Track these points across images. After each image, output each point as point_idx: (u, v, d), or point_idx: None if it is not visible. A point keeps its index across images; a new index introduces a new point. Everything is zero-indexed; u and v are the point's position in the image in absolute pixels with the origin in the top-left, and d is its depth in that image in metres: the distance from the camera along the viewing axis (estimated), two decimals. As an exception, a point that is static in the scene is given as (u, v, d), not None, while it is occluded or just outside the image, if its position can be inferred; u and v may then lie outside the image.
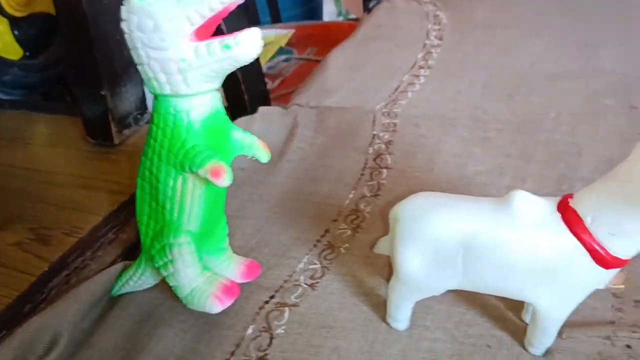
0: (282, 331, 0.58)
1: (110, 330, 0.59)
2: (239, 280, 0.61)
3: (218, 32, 0.51)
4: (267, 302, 0.62)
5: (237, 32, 0.47)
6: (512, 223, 0.48)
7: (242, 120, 0.91)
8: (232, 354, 0.56)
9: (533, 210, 0.48)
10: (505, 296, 0.51)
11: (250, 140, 0.57)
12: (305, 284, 0.64)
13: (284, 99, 1.17)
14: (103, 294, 0.60)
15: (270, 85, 1.37)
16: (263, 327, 0.59)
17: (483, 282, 0.50)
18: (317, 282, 0.64)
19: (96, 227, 0.66)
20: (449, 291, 0.53)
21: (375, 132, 0.91)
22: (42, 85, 1.38)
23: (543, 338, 0.53)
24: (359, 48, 1.20)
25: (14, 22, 1.33)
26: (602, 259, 0.45)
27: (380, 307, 0.60)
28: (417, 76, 1.07)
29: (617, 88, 0.94)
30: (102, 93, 0.92)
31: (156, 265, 0.58)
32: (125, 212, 0.76)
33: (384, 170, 0.82)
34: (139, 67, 0.51)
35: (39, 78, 1.36)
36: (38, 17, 1.37)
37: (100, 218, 0.74)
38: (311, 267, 0.66)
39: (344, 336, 0.57)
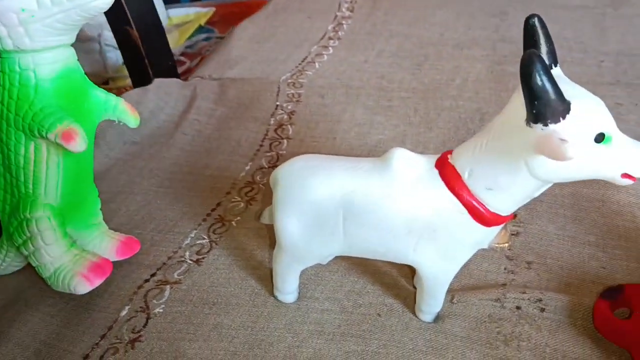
0: (161, 310, 0.54)
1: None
2: (114, 258, 0.56)
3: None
4: (147, 280, 0.57)
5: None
6: (390, 181, 0.45)
7: (134, 92, 0.85)
8: (103, 337, 0.51)
9: (411, 168, 0.45)
10: (389, 260, 0.48)
11: (115, 102, 0.52)
12: (191, 259, 0.59)
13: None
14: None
15: (189, 64, 1.31)
16: (140, 307, 0.54)
17: (365, 246, 0.47)
18: (203, 258, 0.59)
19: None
20: (342, 260, 0.50)
21: (278, 103, 0.87)
22: None
23: (431, 303, 0.50)
24: (269, 19, 1.16)
25: None
26: (481, 215, 0.43)
27: (268, 280, 0.56)
28: (326, 47, 1.04)
29: (520, 55, 0.93)
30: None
31: (16, 244, 0.52)
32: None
33: (284, 141, 0.78)
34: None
35: None
36: None
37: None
38: (198, 242, 0.62)
39: (227, 312, 0.53)
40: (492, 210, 0.43)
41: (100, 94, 0.52)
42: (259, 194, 0.68)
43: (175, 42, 1.43)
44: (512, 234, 0.61)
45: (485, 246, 0.47)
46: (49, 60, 0.46)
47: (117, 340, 0.51)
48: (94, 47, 1.29)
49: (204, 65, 0.99)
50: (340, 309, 0.53)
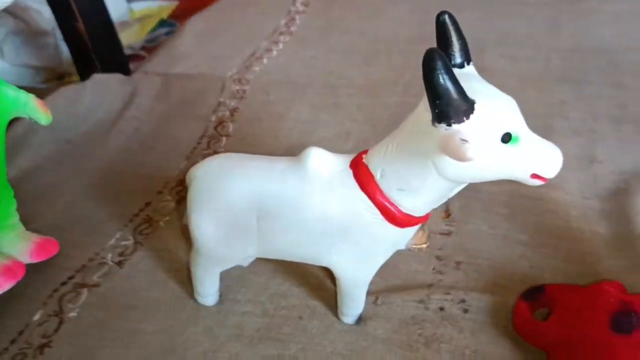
0: (75, 314, 0.52)
1: None
2: (28, 260, 0.54)
3: None
4: (64, 283, 0.55)
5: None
6: (304, 181, 0.44)
7: (70, 87, 0.83)
8: (13, 342, 0.50)
9: (326, 167, 0.44)
10: (306, 262, 0.47)
11: (25, 99, 0.50)
12: (112, 261, 0.57)
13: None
14: None
15: (148, 58, 1.28)
16: (54, 311, 0.52)
17: (281, 248, 0.46)
18: (126, 260, 0.58)
19: None
20: (268, 262, 0.49)
21: (221, 100, 0.85)
22: None
23: (351, 305, 0.49)
24: (221, 14, 1.14)
25: None
26: (393, 217, 0.42)
27: (190, 283, 0.54)
28: (276, 42, 1.02)
29: (472, 51, 0.93)
30: None
31: None
32: None
33: (223, 139, 0.76)
34: None
35: None
36: None
37: None
38: (123, 243, 0.60)
39: (145, 317, 0.52)
40: (405, 211, 0.42)
41: (9, 91, 0.49)
42: (191, 193, 0.67)
43: (137, 35, 1.39)
44: (444, 234, 0.60)
45: (403, 247, 0.46)
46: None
47: (27, 346, 0.49)
48: (49, 42, 1.25)
49: (149, 61, 0.97)
50: (262, 311, 0.52)
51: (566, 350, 0.43)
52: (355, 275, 0.46)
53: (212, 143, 0.75)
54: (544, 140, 0.39)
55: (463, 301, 0.52)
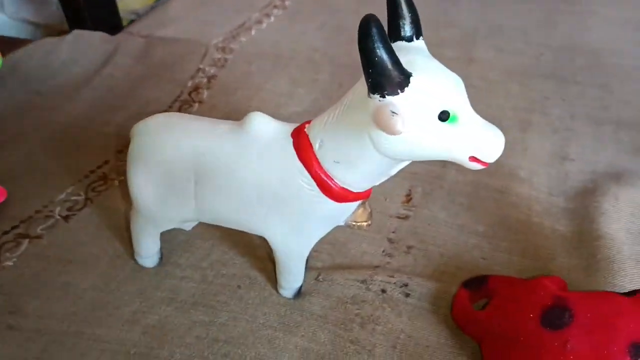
0: (11, 264, 0.51)
1: None
2: (-31, 206, 0.53)
3: None
4: (6, 232, 0.54)
5: None
6: (243, 146, 0.42)
7: (47, 40, 0.82)
8: (-58, 286, 0.49)
9: (267, 134, 0.42)
10: (242, 229, 0.46)
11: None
12: (60, 215, 0.57)
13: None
14: None
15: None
16: (-10, 258, 0.51)
17: (217, 213, 0.45)
18: (73, 214, 0.57)
19: None
20: (216, 229, 0.48)
21: (201, 66, 0.83)
22: None
23: (288, 278, 0.48)
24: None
25: None
26: (329, 189, 0.41)
27: (134, 242, 0.53)
28: (268, 15, 1.00)
29: (462, 40, 0.91)
30: None
31: None
32: None
33: (195, 105, 0.75)
34: None
35: None
36: None
37: None
38: (73, 198, 0.59)
39: (82, 272, 0.51)
40: (341, 184, 0.41)
41: None
42: (152, 155, 0.65)
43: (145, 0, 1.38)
44: (401, 217, 0.58)
45: (342, 223, 0.45)
46: None
47: (-44, 291, 0.48)
48: (50, -1, 1.24)
49: (137, 22, 0.95)
50: (201, 278, 0.51)
51: (496, 342, 0.42)
52: (290, 248, 0.45)
53: (183, 108, 0.74)
54: (487, 123, 0.38)
55: (405, 285, 0.51)
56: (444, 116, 0.36)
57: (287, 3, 1.05)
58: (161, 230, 0.49)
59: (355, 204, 0.43)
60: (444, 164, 0.65)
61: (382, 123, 0.35)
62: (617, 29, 0.93)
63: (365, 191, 0.42)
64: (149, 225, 0.48)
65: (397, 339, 0.47)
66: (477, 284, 0.48)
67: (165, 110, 0.73)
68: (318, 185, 0.41)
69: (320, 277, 0.51)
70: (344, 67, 0.84)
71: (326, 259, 0.53)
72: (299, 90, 0.79)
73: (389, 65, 0.34)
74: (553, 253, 0.54)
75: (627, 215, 0.57)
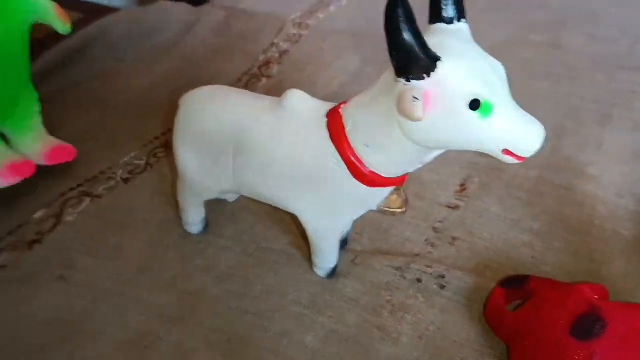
0: (72, 219, 0.55)
1: None
2: (42, 162, 0.57)
3: None
4: (72, 189, 0.58)
5: None
6: (279, 122, 0.43)
7: (132, 11, 0.85)
8: (10, 233, 0.53)
9: (303, 112, 0.42)
10: (276, 205, 0.46)
11: (44, 4, 0.52)
12: (121, 177, 0.60)
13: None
14: None
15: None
16: (55, 212, 0.56)
17: (252, 187, 0.46)
18: (133, 178, 0.60)
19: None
20: (263, 204, 0.48)
21: (275, 41, 0.84)
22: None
23: (320, 257, 0.48)
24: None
25: None
26: (358, 172, 0.40)
27: (185, 210, 0.56)
28: (349, -9, 0.99)
29: (550, 24, 0.85)
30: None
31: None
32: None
33: (263, 79, 0.76)
34: None
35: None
36: None
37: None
38: (136, 162, 0.62)
39: (132, 235, 0.54)
40: (370, 168, 0.40)
41: None
42: (214, 126, 0.67)
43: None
44: (451, 207, 0.57)
45: (374, 208, 0.44)
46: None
47: (20, 239, 0.53)
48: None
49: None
50: (242, 250, 0.52)
51: (524, 345, 0.40)
52: (320, 227, 0.45)
53: (251, 82, 0.75)
54: (526, 115, 0.36)
55: (442, 277, 0.49)
56: (475, 105, 0.34)
57: (370, -21, 1.03)
58: (203, 200, 0.50)
59: (388, 189, 0.43)
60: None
61: (403, 108, 0.34)
62: None
63: (398, 177, 0.41)
64: (191, 193, 0.50)
65: (425, 330, 0.46)
66: (517, 284, 0.46)
67: (234, 84, 0.75)
68: (348, 167, 0.40)
69: (356, 260, 0.51)
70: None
71: (366, 243, 0.53)
72: (367, 69, 0.78)
73: (415, 48, 0.33)
74: (610, 257, 0.51)
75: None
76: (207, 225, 0.54)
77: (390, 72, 0.37)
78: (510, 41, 0.81)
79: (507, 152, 0.36)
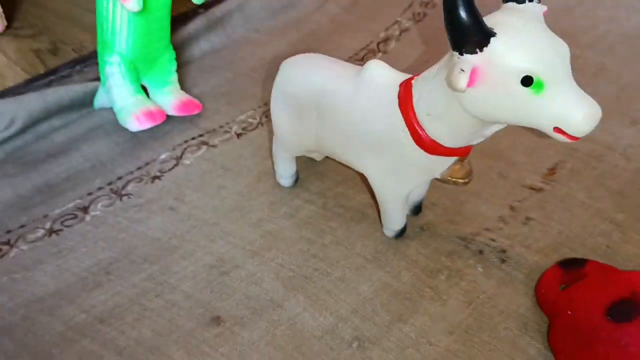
0: (189, 162, 0.64)
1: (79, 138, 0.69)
2: (171, 112, 0.67)
3: None
4: (194, 138, 0.67)
5: None
6: (356, 89, 0.47)
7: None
8: (139, 168, 0.63)
9: (379, 81, 0.46)
10: (350, 165, 0.51)
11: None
12: (235, 132, 0.68)
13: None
14: (70, 102, 0.70)
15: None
16: (177, 155, 0.65)
17: (331, 147, 0.51)
18: (245, 133, 0.68)
19: (95, 50, 0.75)
20: (346, 165, 0.53)
21: (399, 19, 0.88)
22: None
23: (387, 218, 0.52)
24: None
25: None
26: (419, 139, 0.43)
27: (282, 164, 0.62)
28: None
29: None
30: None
31: (102, 79, 0.66)
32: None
33: (379, 54, 0.80)
34: None
35: None
36: None
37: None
38: (250, 120, 0.69)
39: (234, 179, 0.61)
40: (431, 136, 0.43)
41: None
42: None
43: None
44: (534, 189, 0.57)
45: (437, 176, 0.47)
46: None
47: (145, 174, 0.63)
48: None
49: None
50: (322, 204, 0.58)
51: (562, 321, 0.41)
52: (385, 188, 0.49)
53: (366, 57, 0.80)
54: (582, 95, 0.37)
55: (504, 251, 0.51)
56: (527, 81, 0.36)
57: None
58: (292, 155, 0.56)
59: (450, 159, 0.45)
60: (610, 145, 0.61)
61: (450, 79, 0.37)
62: None
63: (461, 148, 0.44)
64: (282, 148, 0.56)
65: (476, 297, 0.48)
66: (574, 265, 0.46)
67: (350, 57, 0.80)
68: (411, 134, 0.44)
69: (425, 226, 0.54)
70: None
71: (439, 213, 0.56)
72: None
73: (469, 24, 0.35)
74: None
75: None
76: (297, 179, 0.60)
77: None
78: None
79: (558, 130, 0.37)
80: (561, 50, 0.37)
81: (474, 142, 0.44)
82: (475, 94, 0.38)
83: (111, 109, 0.66)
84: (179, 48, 0.79)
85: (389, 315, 0.47)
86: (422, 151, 0.44)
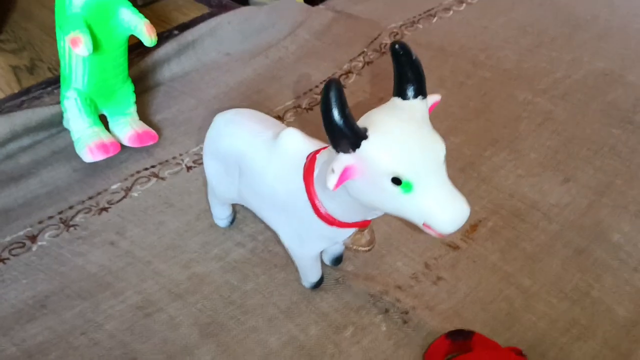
0: (137, 194, 0.68)
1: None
2: (126, 143, 0.71)
3: None
4: (146, 169, 0.71)
5: None
6: (270, 155, 0.50)
7: (248, 8, 0.95)
8: (90, 198, 0.67)
9: (292, 150, 0.49)
10: (265, 222, 0.54)
11: (136, 22, 0.64)
12: (186, 165, 0.71)
13: None
14: (38, 124, 0.74)
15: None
16: (126, 187, 0.69)
17: (249, 202, 0.54)
18: (195, 167, 0.71)
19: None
20: None
21: (365, 50, 0.90)
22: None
23: (301, 272, 0.56)
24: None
25: None
26: (319, 212, 0.46)
27: (222, 203, 0.65)
28: (461, 2, 1.00)
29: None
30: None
31: (64, 111, 0.69)
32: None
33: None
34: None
35: None
36: None
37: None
38: (202, 153, 0.73)
39: (175, 216, 0.65)
40: (328, 211, 0.46)
41: (126, 13, 0.63)
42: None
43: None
44: (452, 246, 0.60)
45: (341, 242, 0.50)
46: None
47: (94, 204, 0.67)
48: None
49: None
50: (252, 248, 0.61)
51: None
52: (294, 250, 0.52)
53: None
54: (451, 195, 0.39)
55: (406, 313, 0.54)
56: (396, 182, 0.39)
57: (488, -8, 1.02)
58: (221, 201, 0.59)
59: (349, 230, 0.48)
60: (534, 204, 0.63)
61: (326, 175, 0.40)
62: None
63: (358, 222, 0.47)
64: (213, 195, 0.59)
65: (374, 357, 0.51)
66: (462, 337, 0.49)
67: (310, 90, 0.82)
68: (312, 206, 0.47)
69: (341, 279, 0.57)
70: (503, 74, 0.83)
71: (359, 265, 0.59)
72: (440, 90, 0.80)
73: (343, 127, 0.38)
74: (596, 329, 0.51)
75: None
76: (234, 220, 0.63)
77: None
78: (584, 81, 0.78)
79: (427, 226, 0.40)
80: (434, 148, 0.40)
81: (369, 218, 0.47)
82: (356, 185, 0.41)
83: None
84: (151, 70, 0.83)
85: (289, 369, 0.51)
86: (321, 222, 0.47)
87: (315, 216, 0.47)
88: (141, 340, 0.53)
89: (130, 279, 0.59)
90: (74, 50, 0.59)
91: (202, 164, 0.71)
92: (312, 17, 0.97)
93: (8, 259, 0.61)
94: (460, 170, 0.68)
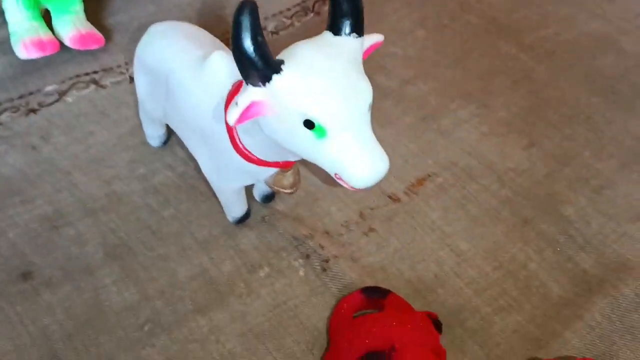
0: (71, 100, 0.63)
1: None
2: (67, 44, 0.65)
3: None
4: (87, 74, 0.66)
5: None
6: (197, 76, 0.45)
7: None
8: (20, 97, 0.63)
9: (217, 75, 0.43)
10: (187, 147, 0.49)
11: None
12: (130, 75, 0.66)
13: None
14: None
15: None
16: (62, 90, 0.64)
17: (173, 123, 0.50)
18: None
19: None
20: None
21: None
22: None
23: (223, 205, 0.52)
24: None
25: None
26: (237, 146, 0.42)
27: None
28: None
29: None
30: None
31: (1, -1, 0.64)
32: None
33: (310, 14, 0.76)
34: None
35: None
36: None
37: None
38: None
39: (106, 128, 0.61)
40: (246, 147, 0.42)
41: None
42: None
43: None
44: (392, 198, 0.56)
45: (261, 181, 0.46)
46: None
47: (24, 104, 0.62)
48: None
49: None
50: (181, 172, 0.57)
51: (331, 353, 0.42)
52: (212, 181, 0.48)
53: (297, 14, 0.76)
54: (369, 148, 0.35)
55: (327, 261, 0.51)
56: (309, 125, 0.34)
57: None
58: (150, 118, 0.55)
59: (270, 169, 0.44)
60: (491, 165, 0.59)
61: (228, 109, 0.35)
62: None
63: (279, 162, 0.43)
64: (142, 110, 0.55)
65: (283, 302, 0.48)
66: (376, 294, 0.46)
67: (280, 12, 0.76)
68: (230, 138, 0.42)
69: (267, 218, 0.54)
70: (490, 22, 0.76)
71: (290, 205, 0.55)
72: (418, 31, 0.74)
73: (252, 57, 0.33)
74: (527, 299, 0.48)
75: None
76: (167, 141, 0.59)
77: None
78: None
79: (339, 177, 0.35)
80: (359, 93, 0.35)
81: (291, 159, 0.42)
82: (268, 122, 0.36)
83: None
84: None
85: (192, 304, 0.48)
86: (239, 157, 0.43)
87: (233, 150, 0.43)
88: (42, 254, 0.50)
89: (44, 187, 0.55)
90: None
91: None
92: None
93: None
94: (421, 120, 0.63)
